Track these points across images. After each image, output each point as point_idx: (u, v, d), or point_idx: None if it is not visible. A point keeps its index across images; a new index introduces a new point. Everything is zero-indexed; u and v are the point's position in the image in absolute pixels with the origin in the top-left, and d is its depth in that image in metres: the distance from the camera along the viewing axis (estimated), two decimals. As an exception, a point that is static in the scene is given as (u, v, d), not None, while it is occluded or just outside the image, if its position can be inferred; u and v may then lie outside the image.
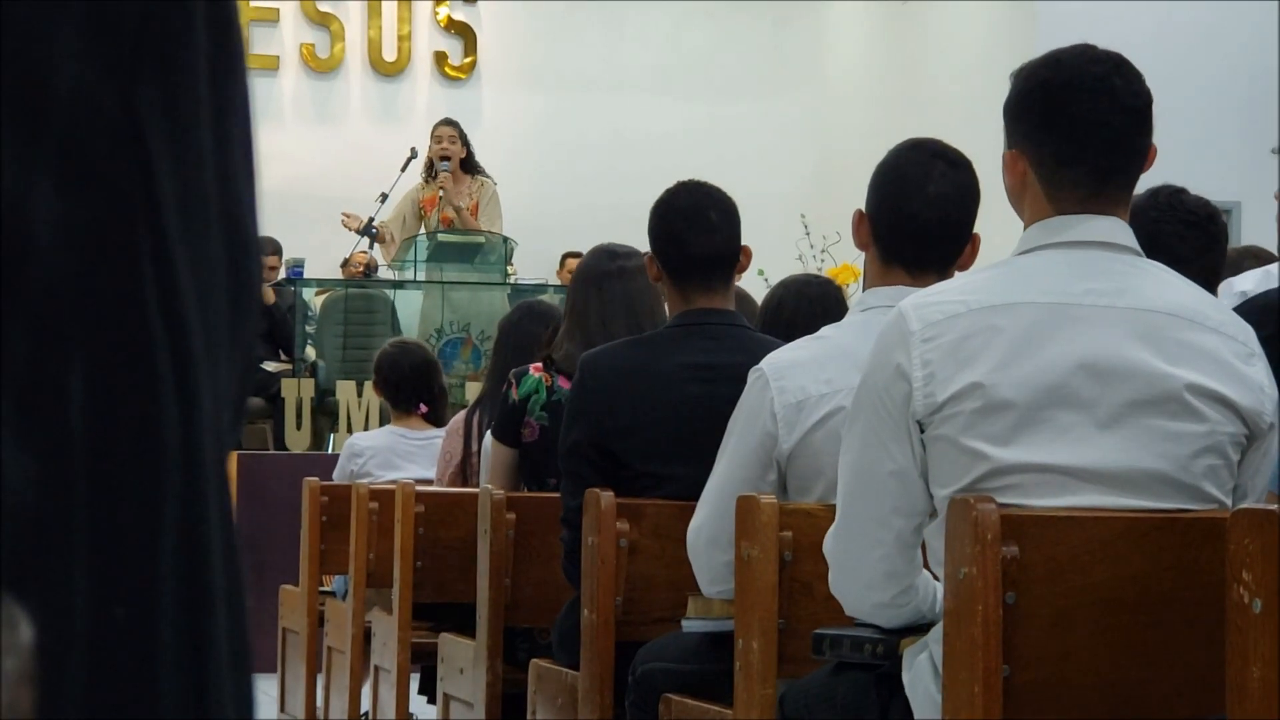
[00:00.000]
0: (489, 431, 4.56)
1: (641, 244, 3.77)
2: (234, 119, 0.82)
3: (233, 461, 7.98)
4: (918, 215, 2.96)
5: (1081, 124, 2.48)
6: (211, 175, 0.80)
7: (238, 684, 0.81)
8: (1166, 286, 2.49)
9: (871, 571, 2.53)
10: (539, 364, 4.29)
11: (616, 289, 4.08)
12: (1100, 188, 2.49)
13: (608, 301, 4.08)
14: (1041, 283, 2.45)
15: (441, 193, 9.49)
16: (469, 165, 9.61)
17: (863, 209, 3.04)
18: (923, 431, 2.44)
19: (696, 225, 3.57)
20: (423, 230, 9.69)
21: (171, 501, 0.76)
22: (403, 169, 10.17)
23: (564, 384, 4.19)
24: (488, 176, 9.67)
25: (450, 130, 9.53)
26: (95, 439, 0.74)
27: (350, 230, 9.80)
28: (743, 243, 3.67)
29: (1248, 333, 2.50)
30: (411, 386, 5.92)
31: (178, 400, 0.76)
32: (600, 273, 4.12)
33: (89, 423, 0.73)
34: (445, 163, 9.45)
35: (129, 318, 0.75)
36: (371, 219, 10.07)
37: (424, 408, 5.95)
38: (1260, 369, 2.49)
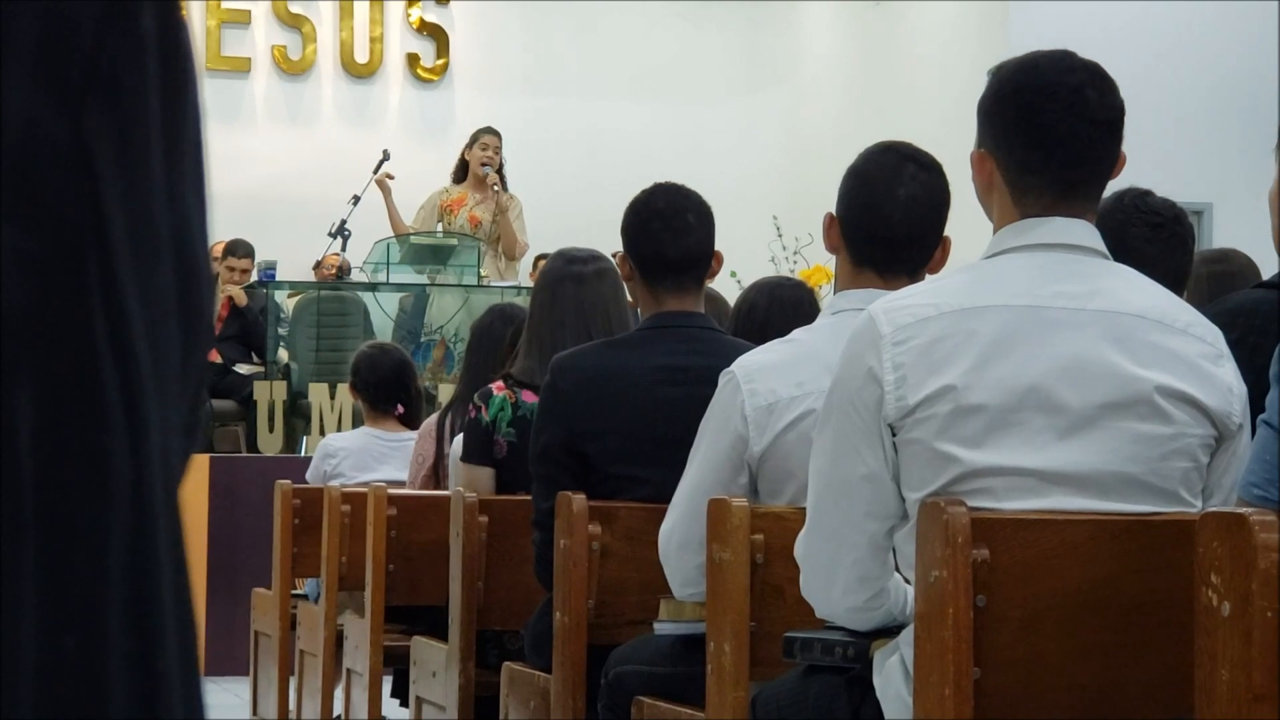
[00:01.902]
0: (458, 453, 4.56)
1: (614, 245, 3.77)
2: (185, 149, 0.82)
3: (205, 465, 7.96)
4: (888, 218, 2.97)
5: (1050, 134, 2.49)
6: (163, 205, 0.80)
7: (187, 712, 0.81)
8: (1135, 289, 2.50)
9: (844, 576, 2.53)
10: (500, 382, 4.28)
11: (569, 293, 4.08)
12: (1065, 196, 2.50)
13: (561, 306, 4.08)
14: (1012, 286, 2.46)
15: (494, 189, 9.69)
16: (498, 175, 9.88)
17: (833, 212, 3.04)
18: (894, 435, 2.45)
19: (673, 227, 3.59)
20: (440, 228, 9.79)
21: (120, 531, 0.76)
22: (375, 171, 10.18)
23: (527, 398, 4.19)
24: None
25: (497, 140, 9.81)
26: (43, 469, 0.74)
27: (384, 184, 9.92)
28: (715, 247, 3.68)
29: (1215, 334, 2.51)
30: (389, 388, 5.92)
31: (127, 430, 0.76)
32: (554, 278, 4.13)
33: (37, 453, 0.73)
34: (487, 168, 9.66)
35: (78, 349, 0.75)
36: (344, 221, 10.07)
37: (400, 409, 5.95)
38: (1229, 370, 2.50)
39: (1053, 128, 2.48)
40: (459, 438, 4.52)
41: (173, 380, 0.80)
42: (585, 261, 4.13)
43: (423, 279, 9.53)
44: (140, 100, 0.78)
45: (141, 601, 0.78)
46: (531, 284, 10.29)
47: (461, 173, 9.95)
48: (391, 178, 10.08)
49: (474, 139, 9.94)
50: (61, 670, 0.74)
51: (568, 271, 4.11)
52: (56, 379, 0.74)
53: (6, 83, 0.73)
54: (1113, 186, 2.65)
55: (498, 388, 4.27)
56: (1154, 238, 3.46)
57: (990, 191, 2.55)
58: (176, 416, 0.80)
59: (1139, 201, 3.52)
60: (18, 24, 0.74)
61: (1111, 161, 2.53)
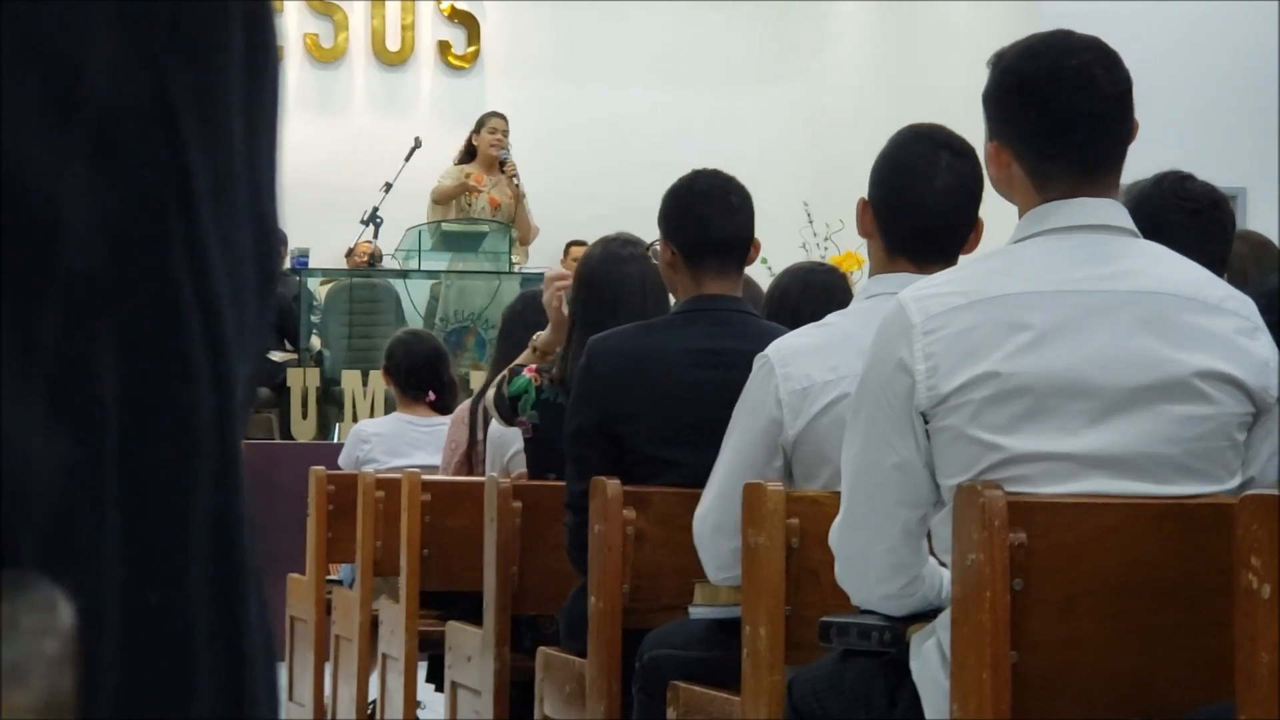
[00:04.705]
0: (495, 436, 4.58)
1: (643, 230, 3.76)
2: (263, 110, 0.82)
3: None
4: (926, 210, 2.96)
5: (1063, 118, 2.48)
6: (242, 165, 0.80)
7: (268, 668, 0.81)
8: (1166, 266, 2.50)
9: (879, 564, 2.53)
10: (534, 366, 4.28)
11: (619, 275, 4.07)
12: (1087, 176, 2.49)
13: (609, 288, 4.06)
14: (1042, 270, 2.45)
15: (516, 179, 9.70)
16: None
17: (865, 197, 3.03)
18: (926, 423, 2.44)
19: (719, 208, 3.60)
20: (454, 210, 9.78)
21: (204, 486, 0.77)
22: (406, 158, 10.19)
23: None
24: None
25: (505, 124, 9.92)
26: (129, 423, 0.74)
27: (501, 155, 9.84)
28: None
29: (1250, 307, 2.50)
30: (422, 374, 5.94)
31: (212, 384, 0.77)
32: (600, 259, 4.13)
33: (122, 407, 0.74)
34: (505, 151, 9.66)
35: (162, 302, 0.75)
36: (376, 208, 10.09)
37: (432, 396, 5.97)
38: (1264, 343, 2.49)
39: (1066, 112, 2.47)
40: (494, 421, 4.54)
41: (250, 340, 0.80)
42: (630, 244, 4.13)
43: (455, 266, 9.55)
44: (221, 62, 0.79)
45: (225, 556, 0.78)
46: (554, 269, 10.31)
47: (469, 156, 9.93)
48: (387, 190, 10.03)
49: (481, 123, 9.92)
50: (146, 626, 0.74)
51: (623, 252, 4.08)
52: (141, 332, 0.75)
53: (91, 38, 0.74)
54: (1152, 168, 2.63)
55: (529, 370, 4.28)
56: (1191, 224, 3.43)
57: (1009, 182, 2.55)
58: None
59: (1177, 187, 3.50)
60: None
61: (1127, 134, 2.52)
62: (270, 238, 0.83)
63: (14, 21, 0.71)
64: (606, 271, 4.06)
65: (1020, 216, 2.54)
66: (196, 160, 0.77)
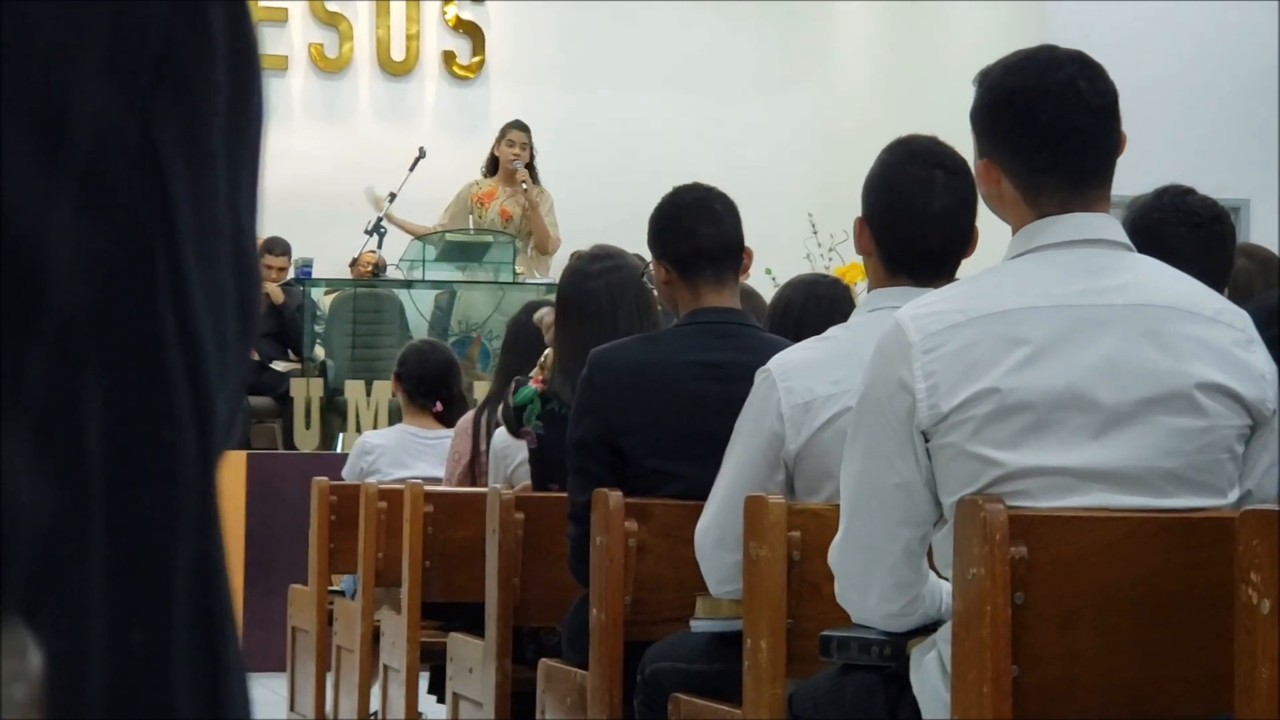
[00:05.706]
0: (498, 447, 4.59)
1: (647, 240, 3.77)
2: (245, 149, 0.82)
3: (242, 461, 7.99)
4: (926, 234, 2.96)
5: (1051, 132, 2.48)
6: (224, 206, 0.80)
7: (246, 707, 0.81)
8: (1161, 278, 2.50)
9: (880, 583, 2.53)
10: (539, 377, 4.29)
11: (585, 290, 4.09)
12: (1078, 190, 2.50)
13: (574, 305, 4.09)
14: (1038, 286, 2.45)
15: (524, 186, 9.69)
16: (529, 170, 9.88)
17: (862, 217, 3.03)
18: (928, 441, 2.44)
19: (704, 217, 3.63)
20: (471, 221, 9.78)
21: (187, 527, 0.77)
22: (411, 169, 10.20)
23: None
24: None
25: (525, 135, 9.80)
26: (112, 465, 0.74)
27: (376, 207, 9.94)
28: (745, 242, 3.70)
29: (1245, 320, 2.51)
30: (432, 383, 5.96)
31: (195, 425, 0.77)
32: (568, 275, 4.16)
33: (106, 448, 0.74)
34: (517, 163, 9.68)
35: (147, 344, 0.75)
36: (380, 218, 10.10)
37: (439, 406, 5.98)
38: (1260, 355, 2.49)
39: (1054, 125, 2.48)
40: (499, 431, 4.54)
41: (231, 379, 0.80)
42: (606, 258, 4.15)
43: (458, 276, 9.54)
44: (207, 101, 0.79)
45: (206, 596, 0.78)
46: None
47: (492, 167, 9.96)
48: (391, 200, 10.10)
49: (502, 134, 9.95)
50: (130, 666, 0.74)
51: (593, 269, 4.11)
52: (126, 373, 0.75)
53: (79, 78, 0.74)
54: (1155, 180, 2.64)
55: (535, 380, 4.29)
56: (1191, 237, 3.44)
57: (1001, 198, 2.55)
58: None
59: (1178, 200, 3.50)
60: (89, 23, 0.74)
61: (1115, 145, 2.53)
62: (250, 275, 0.83)
63: (1, 63, 0.71)
64: (574, 289, 4.09)
65: (1014, 232, 2.55)
66: (181, 201, 0.77)
